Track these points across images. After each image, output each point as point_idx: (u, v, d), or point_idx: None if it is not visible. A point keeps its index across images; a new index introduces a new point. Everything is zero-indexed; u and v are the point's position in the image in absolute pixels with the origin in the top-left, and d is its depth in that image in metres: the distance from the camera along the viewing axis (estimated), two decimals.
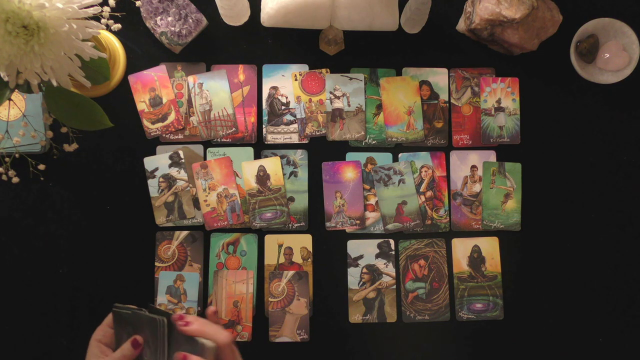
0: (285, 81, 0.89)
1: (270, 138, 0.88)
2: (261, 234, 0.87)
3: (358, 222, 0.87)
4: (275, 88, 0.88)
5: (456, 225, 0.88)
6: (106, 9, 0.65)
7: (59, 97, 0.68)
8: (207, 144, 0.88)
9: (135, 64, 0.87)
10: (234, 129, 0.88)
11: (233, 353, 0.62)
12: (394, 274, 0.87)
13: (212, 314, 0.68)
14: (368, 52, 0.90)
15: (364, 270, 0.86)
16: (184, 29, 0.85)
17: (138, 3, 0.75)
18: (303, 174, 0.88)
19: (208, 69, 0.88)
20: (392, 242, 0.87)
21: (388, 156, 0.89)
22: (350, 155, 0.88)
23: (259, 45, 0.89)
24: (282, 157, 0.87)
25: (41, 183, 0.84)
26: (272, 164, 0.87)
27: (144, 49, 0.88)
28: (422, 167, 0.89)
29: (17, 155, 0.73)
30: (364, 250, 0.87)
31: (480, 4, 0.85)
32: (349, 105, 0.89)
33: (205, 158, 0.87)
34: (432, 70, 0.90)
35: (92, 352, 0.64)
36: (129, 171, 0.86)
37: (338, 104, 0.89)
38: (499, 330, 0.87)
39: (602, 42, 0.90)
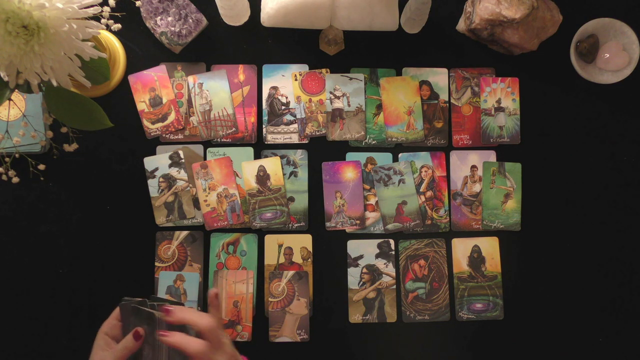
0: (285, 81, 0.89)
1: (270, 138, 0.88)
2: (261, 234, 0.87)
3: (358, 222, 0.87)
4: (275, 88, 0.88)
5: (456, 225, 0.88)
6: (106, 9, 0.65)
7: (59, 97, 0.68)
8: (207, 144, 0.88)
9: (135, 64, 0.87)
10: (234, 129, 0.88)
11: (218, 338, 0.63)
12: (394, 274, 0.87)
13: (213, 296, 0.69)
14: (368, 52, 0.90)
15: (364, 270, 0.87)
16: (184, 29, 0.85)
17: (138, 3, 0.75)
18: (303, 174, 0.88)
19: (208, 69, 0.88)
20: (392, 242, 0.87)
21: (388, 156, 0.89)
22: (350, 155, 0.88)
23: (259, 45, 0.89)
24: (282, 157, 0.87)
25: (41, 183, 0.84)
26: (272, 164, 0.87)
27: (144, 49, 0.88)
28: (422, 167, 0.89)
29: (17, 155, 0.73)
30: (364, 250, 0.87)
31: (480, 4, 0.85)
32: (349, 105, 0.89)
33: (205, 158, 0.87)
34: (432, 70, 0.90)
35: (98, 344, 0.65)
36: (129, 171, 0.86)
37: (338, 104, 0.89)
38: (499, 330, 0.87)
39: (602, 42, 0.90)
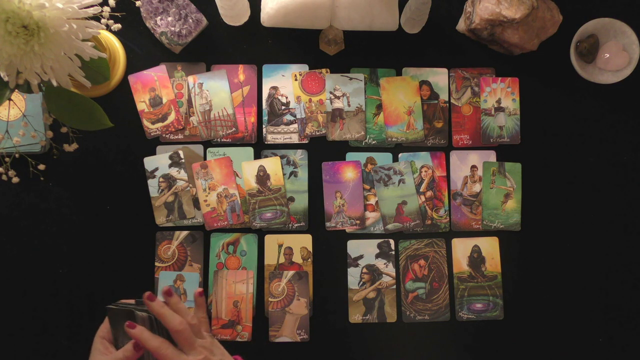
0: (285, 81, 0.89)
1: (270, 138, 0.88)
2: (261, 234, 0.87)
3: (358, 222, 0.87)
4: (275, 88, 0.88)
5: (456, 225, 0.88)
6: (106, 9, 0.65)
7: (59, 97, 0.68)
8: (207, 144, 0.88)
9: (135, 64, 0.87)
10: (234, 129, 0.88)
11: (188, 340, 0.63)
12: (394, 274, 0.87)
13: (197, 294, 0.76)
14: (368, 52, 0.90)
15: (364, 270, 0.86)
16: (184, 29, 0.85)
17: (138, 3, 0.75)
18: (303, 174, 0.88)
19: (208, 69, 0.88)
20: (392, 242, 0.87)
21: (388, 156, 0.89)
22: (350, 155, 0.88)
23: (259, 45, 0.89)
24: (282, 157, 0.87)
25: (41, 183, 0.84)
26: (272, 164, 0.87)
27: (144, 49, 0.88)
28: (422, 167, 0.89)
29: (17, 155, 0.73)
30: (364, 250, 0.87)
31: (480, 4, 0.85)
32: (349, 105, 0.89)
33: (205, 158, 0.87)
34: (432, 70, 0.90)
35: (96, 347, 0.65)
36: (129, 171, 0.86)
37: (338, 104, 0.89)
38: (499, 330, 0.87)
39: (602, 42, 0.90)
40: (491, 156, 0.89)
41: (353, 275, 0.86)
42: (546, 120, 0.91)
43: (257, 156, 0.88)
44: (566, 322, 0.88)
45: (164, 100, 0.87)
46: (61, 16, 0.59)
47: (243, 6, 0.86)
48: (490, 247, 0.88)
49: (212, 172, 0.86)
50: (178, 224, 0.86)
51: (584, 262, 0.89)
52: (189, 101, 0.88)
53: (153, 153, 0.87)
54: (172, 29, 0.84)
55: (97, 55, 0.64)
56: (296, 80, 0.89)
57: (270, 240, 0.86)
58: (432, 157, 0.89)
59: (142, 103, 0.87)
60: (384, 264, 0.87)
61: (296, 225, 0.87)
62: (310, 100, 0.89)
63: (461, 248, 0.88)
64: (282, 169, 0.87)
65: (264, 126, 0.88)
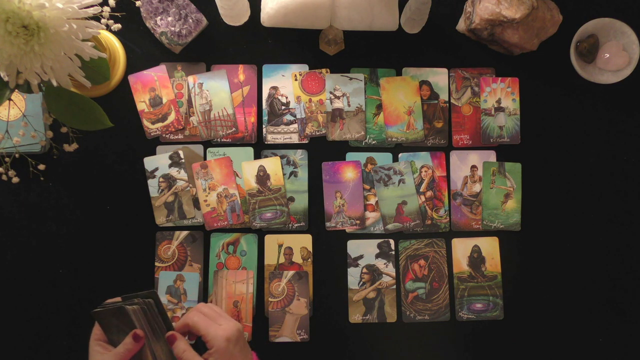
0: (285, 81, 0.89)
1: (270, 138, 0.88)
2: (261, 234, 0.87)
3: (358, 222, 0.87)
4: (275, 88, 0.88)
5: (456, 225, 0.88)
6: (106, 9, 0.65)
7: (59, 97, 0.68)
8: (207, 144, 0.88)
9: (135, 64, 0.87)
10: (234, 129, 0.88)
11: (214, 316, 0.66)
12: (394, 274, 0.87)
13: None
14: (368, 52, 0.90)
15: (364, 270, 0.86)
16: (184, 29, 0.85)
17: (138, 3, 0.75)
18: (303, 174, 0.88)
19: (208, 69, 0.88)
20: (392, 242, 0.87)
21: (388, 156, 0.89)
22: (350, 155, 0.88)
23: (259, 45, 0.89)
24: (282, 157, 0.87)
25: (41, 183, 0.84)
26: (272, 164, 0.87)
27: (144, 49, 0.88)
28: (422, 167, 0.89)
29: (17, 155, 0.73)
30: (364, 250, 0.87)
31: (480, 4, 0.85)
32: (349, 105, 0.89)
33: (205, 158, 0.87)
34: (432, 70, 0.90)
35: (94, 350, 0.64)
36: (129, 171, 0.86)
37: (338, 104, 0.89)
38: (499, 330, 0.87)
39: (602, 42, 0.90)
40: (491, 156, 0.89)
41: (353, 275, 0.86)
42: (546, 120, 0.91)
43: (257, 156, 0.88)
44: (566, 322, 0.88)
45: (164, 100, 0.87)
46: (61, 16, 0.59)
47: (243, 6, 0.86)
48: (490, 247, 0.88)
49: (212, 172, 0.86)
50: (178, 224, 0.86)
51: (584, 262, 0.89)
52: (189, 101, 0.88)
53: (153, 153, 0.87)
54: (172, 29, 0.84)
55: (97, 55, 0.64)
56: (296, 80, 0.89)
57: (270, 240, 0.86)
58: (432, 157, 0.89)
59: (142, 103, 0.87)
60: (384, 264, 0.87)
61: (296, 225, 0.87)
62: (310, 100, 0.89)
63: (461, 248, 0.88)
64: (282, 169, 0.87)
65: (264, 126, 0.88)
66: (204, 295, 0.85)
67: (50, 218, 0.85)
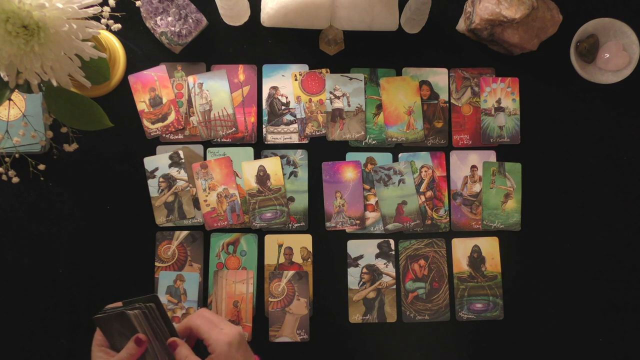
0: (285, 81, 0.89)
1: (270, 138, 0.88)
2: (261, 234, 0.87)
3: (358, 222, 0.87)
4: (275, 88, 0.88)
5: (456, 225, 0.88)
6: (106, 9, 0.65)
7: (59, 97, 0.68)
8: (207, 144, 0.88)
9: (135, 64, 0.87)
10: (234, 129, 0.88)
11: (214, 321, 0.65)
12: (394, 274, 0.87)
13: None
14: (368, 52, 0.90)
15: (364, 270, 0.86)
16: (184, 29, 0.85)
17: (138, 3, 0.75)
18: (303, 174, 0.88)
19: (208, 69, 0.88)
20: (392, 242, 0.87)
21: (388, 156, 0.89)
22: (350, 155, 0.88)
23: (259, 45, 0.89)
24: (282, 157, 0.87)
25: (41, 183, 0.84)
26: (272, 164, 0.87)
27: (144, 49, 0.88)
28: (422, 167, 0.89)
29: (17, 155, 0.73)
30: (364, 250, 0.87)
31: (480, 4, 0.85)
32: (349, 105, 0.89)
33: (205, 158, 0.87)
34: (432, 70, 0.90)
35: (97, 355, 0.64)
36: (129, 171, 0.86)
37: (338, 104, 0.89)
38: (499, 330, 0.87)
39: (602, 42, 0.90)
40: (491, 156, 0.89)
41: (353, 275, 0.86)
42: (546, 120, 0.91)
43: (257, 156, 0.88)
44: (566, 322, 0.88)
45: (164, 100, 0.87)
46: (61, 16, 0.59)
47: (243, 6, 0.86)
48: (490, 247, 0.88)
49: (212, 172, 0.86)
50: (178, 224, 0.86)
51: (584, 262, 0.89)
52: (189, 101, 0.88)
53: (153, 153, 0.87)
54: (172, 29, 0.84)
55: (97, 55, 0.64)
56: (296, 80, 0.89)
57: (270, 240, 0.86)
58: (432, 157, 0.89)
59: (142, 103, 0.87)
60: (384, 264, 0.87)
61: (296, 225, 0.87)
62: (310, 100, 0.89)
63: (461, 248, 0.88)
64: (282, 169, 0.87)
65: (264, 126, 0.88)
66: (204, 295, 0.85)
67: (50, 218, 0.85)
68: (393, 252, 0.87)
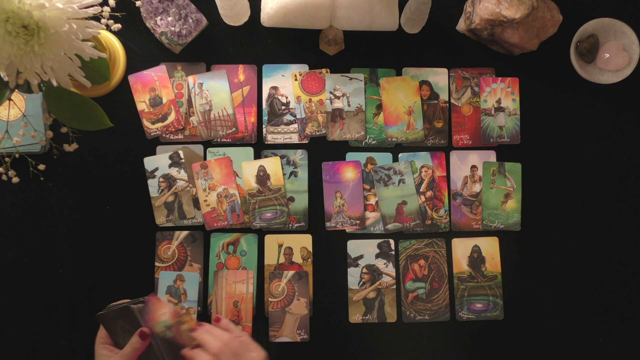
0: (285, 81, 0.89)
1: (270, 138, 0.88)
2: (261, 234, 0.87)
3: (358, 222, 0.87)
4: (275, 88, 0.88)
5: (456, 225, 0.88)
6: (106, 9, 0.65)
7: (59, 97, 0.68)
8: (207, 144, 0.88)
9: (135, 64, 0.87)
10: (234, 129, 0.88)
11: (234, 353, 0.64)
12: (394, 274, 0.87)
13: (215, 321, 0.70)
14: (368, 52, 0.90)
15: (364, 270, 0.86)
16: (184, 29, 0.85)
17: (138, 3, 0.75)
18: (303, 174, 0.88)
19: (208, 69, 0.88)
20: (392, 242, 0.87)
21: (388, 156, 0.89)
22: (350, 155, 0.88)
23: (259, 45, 0.89)
24: (282, 157, 0.87)
25: (41, 183, 0.84)
26: (272, 164, 0.87)
27: (144, 49, 0.88)
28: (422, 167, 0.89)
29: (17, 155, 0.73)
30: (364, 250, 0.87)
31: (480, 4, 0.85)
32: (349, 105, 0.89)
33: (205, 158, 0.87)
34: (432, 70, 0.90)
35: (100, 353, 0.64)
36: (129, 171, 0.86)
37: (338, 104, 0.89)
38: (499, 330, 0.87)
39: (602, 42, 0.90)
40: (491, 156, 0.89)
41: (353, 275, 0.86)
42: (546, 120, 0.91)
43: (257, 156, 0.88)
44: (566, 322, 0.88)
45: (164, 100, 0.87)
46: (61, 16, 0.59)
47: (243, 6, 0.86)
48: (490, 247, 0.88)
49: (212, 172, 0.86)
50: (178, 224, 0.86)
51: (584, 262, 0.89)
52: (189, 101, 0.88)
53: (153, 153, 0.87)
54: (172, 29, 0.84)
55: (97, 55, 0.64)
56: (296, 80, 0.89)
57: (270, 240, 0.86)
58: (432, 157, 0.89)
59: (142, 103, 0.87)
60: (384, 264, 0.87)
61: (296, 225, 0.87)
62: (310, 100, 0.89)
63: (461, 248, 0.88)
64: (282, 169, 0.87)
65: (264, 126, 0.88)
66: (204, 296, 0.85)
67: (50, 218, 0.85)
68: (393, 252, 0.87)
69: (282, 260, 0.86)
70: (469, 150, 0.90)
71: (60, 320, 0.84)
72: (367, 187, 0.88)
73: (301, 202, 0.87)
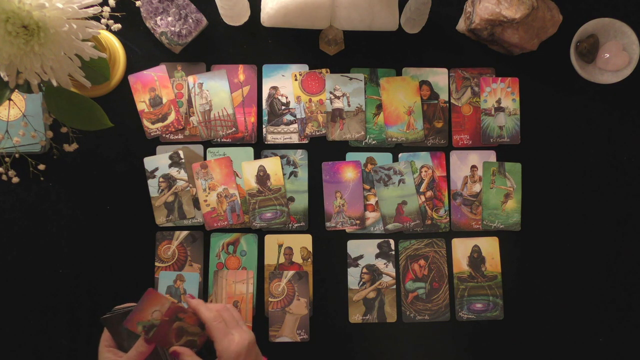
0: (285, 81, 0.89)
1: (270, 138, 0.88)
2: (261, 234, 0.87)
3: (358, 222, 0.87)
4: (275, 88, 0.88)
5: (456, 225, 0.88)
6: (106, 9, 0.65)
7: (59, 97, 0.68)
8: (207, 144, 0.88)
9: (135, 64, 0.87)
10: (234, 129, 0.88)
11: (228, 324, 0.66)
12: (394, 274, 0.87)
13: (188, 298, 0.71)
14: (368, 52, 0.90)
15: (364, 270, 0.86)
16: (184, 29, 0.85)
17: (138, 3, 0.75)
18: (303, 174, 0.88)
19: (208, 69, 0.88)
20: (392, 242, 0.87)
21: (388, 156, 0.89)
22: (350, 155, 0.88)
23: (259, 45, 0.89)
24: (282, 157, 0.87)
25: (41, 183, 0.84)
26: (272, 164, 0.87)
27: (144, 49, 0.88)
28: (422, 167, 0.89)
29: (17, 155, 0.73)
30: (364, 250, 0.87)
31: (480, 4, 0.85)
32: (349, 105, 0.89)
33: (205, 158, 0.87)
34: (432, 70, 0.90)
35: (105, 356, 0.64)
36: (129, 171, 0.86)
37: (338, 104, 0.89)
38: (499, 330, 0.87)
39: (602, 42, 0.90)
40: (491, 156, 0.90)
41: (353, 275, 0.86)
42: (546, 120, 0.91)
43: (257, 156, 0.88)
44: (566, 322, 0.88)
45: (164, 100, 0.87)
46: (61, 16, 0.59)
47: (243, 6, 0.86)
48: (490, 247, 0.88)
49: (212, 172, 0.86)
50: (178, 224, 0.86)
51: (584, 262, 0.89)
52: (189, 101, 0.88)
53: (153, 153, 0.87)
54: (172, 29, 0.84)
55: (97, 55, 0.64)
56: (296, 80, 0.89)
57: (270, 240, 0.86)
58: (432, 157, 0.89)
59: (142, 103, 0.87)
60: (384, 264, 0.87)
61: (296, 225, 0.87)
62: (310, 100, 0.89)
63: (461, 248, 0.88)
64: (282, 169, 0.87)
65: (264, 126, 0.88)
66: (204, 296, 0.85)
67: (50, 218, 0.85)
68: (393, 252, 0.87)
69: (282, 260, 0.86)
70: (469, 150, 0.90)
71: (60, 320, 0.84)
72: (367, 187, 0.88)
73: (301, 202, 0.87)
